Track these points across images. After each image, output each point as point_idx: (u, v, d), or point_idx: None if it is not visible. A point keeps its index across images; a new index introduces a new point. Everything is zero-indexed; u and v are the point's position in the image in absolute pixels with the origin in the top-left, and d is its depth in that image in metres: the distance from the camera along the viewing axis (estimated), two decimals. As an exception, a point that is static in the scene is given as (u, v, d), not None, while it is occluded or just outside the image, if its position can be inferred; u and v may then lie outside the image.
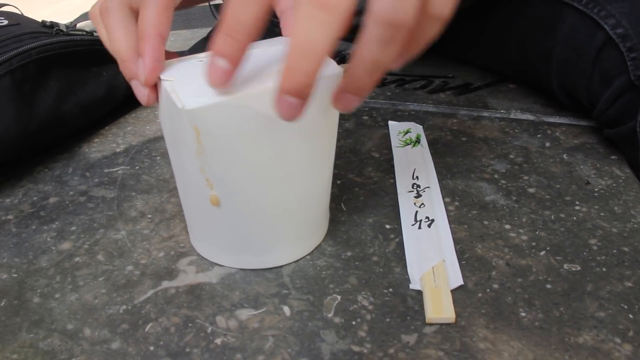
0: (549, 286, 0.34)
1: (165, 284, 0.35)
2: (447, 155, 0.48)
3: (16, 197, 0.45)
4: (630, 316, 0.32)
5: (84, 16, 0.77)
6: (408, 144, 0.48)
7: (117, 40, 0.32)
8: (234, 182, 0.31)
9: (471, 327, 0.31)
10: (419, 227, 0.38)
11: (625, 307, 0.32)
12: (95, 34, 0.56)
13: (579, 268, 0.35)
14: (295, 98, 0.24)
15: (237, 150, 0.30)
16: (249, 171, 0.31)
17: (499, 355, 0.29)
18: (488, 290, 0.34)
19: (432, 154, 0.47)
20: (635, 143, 0.43)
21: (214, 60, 0.26)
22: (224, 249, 0.35)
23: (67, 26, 0.56)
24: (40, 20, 0.57)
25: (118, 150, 0.51)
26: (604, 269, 0.35)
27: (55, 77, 0.50)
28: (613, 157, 0.47)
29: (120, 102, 0.58)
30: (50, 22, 0.55)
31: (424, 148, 0.48)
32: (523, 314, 0.32)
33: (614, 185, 0.43)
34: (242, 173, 0.31)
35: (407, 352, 0.30)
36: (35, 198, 0.44)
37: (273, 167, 0.31)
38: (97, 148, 0.52)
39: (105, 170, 0.48)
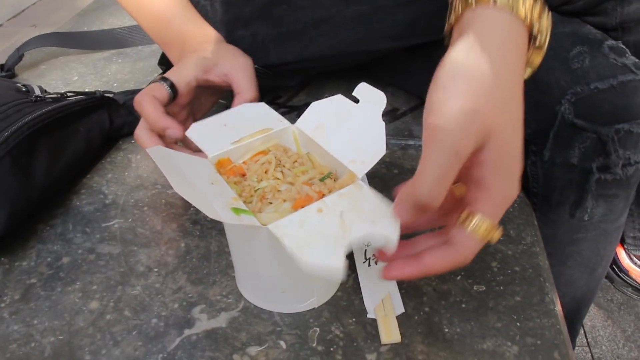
0: (463, 305, 0.48)
1: (187, 331, 0.45)
2: (384, 189, 0.60)
3: (31, 260, 0.52)
4: (518, 324, 0.46)
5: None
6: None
7: None
8: None
9: (412, 344, 0.45)
10: (369, 265, 0.51)
11: (515, 317, 0.47)
12: (68, 94, 0.62)
13: (484, 288, 0.49)
14: None
15: None
16: None
17: (433, 364, 0.43)
18: (422, 313, 0.47)
19: (371, 188, 0.59)
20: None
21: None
22: (297, 298, 0.47)
23: (40, 88, 0.62)
24: (11, 81, 0.62)
25: (107, 201, 0.59)
26: (501, 287, 0.49)
27: (43, 145, 0.56)
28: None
29: (97, 151, 0.65)
30: (24, 86, 0.61)
31: (364, 184, 0.59)
32: (446, 330, 0.46)
33: (511, 209, 0.58)
34: None
35: (371, 368, 0.43)
36: (49, 259, 0.52)
37: None
38: (87, 200, 0.59)
39: (103, 225, 0.56)
